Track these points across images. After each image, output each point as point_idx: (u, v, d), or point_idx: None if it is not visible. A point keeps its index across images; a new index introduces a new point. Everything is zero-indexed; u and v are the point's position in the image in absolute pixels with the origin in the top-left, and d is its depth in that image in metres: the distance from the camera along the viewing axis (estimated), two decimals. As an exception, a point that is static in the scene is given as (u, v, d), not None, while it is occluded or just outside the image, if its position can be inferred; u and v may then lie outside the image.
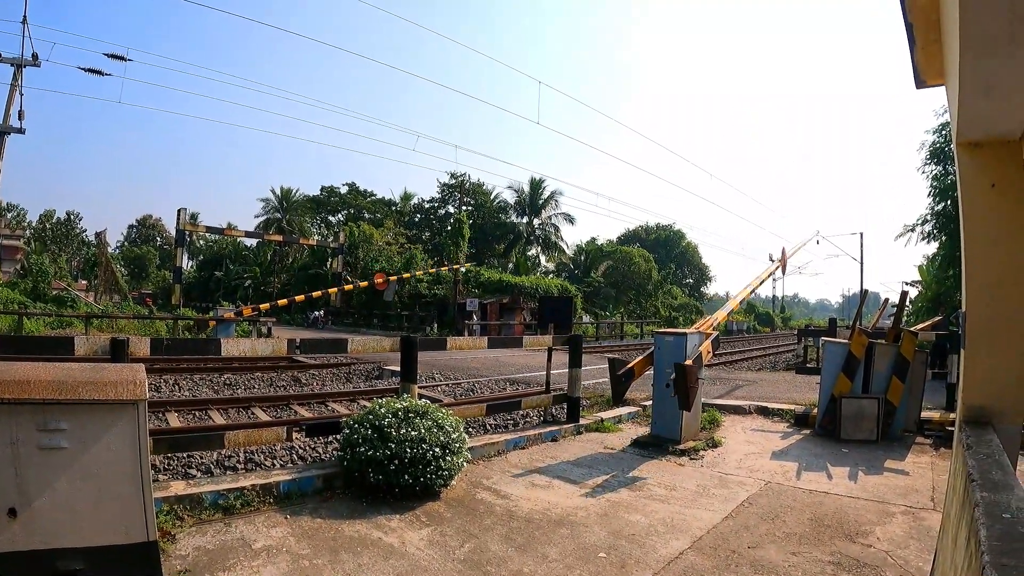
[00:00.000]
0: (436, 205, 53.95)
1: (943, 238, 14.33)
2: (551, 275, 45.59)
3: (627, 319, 38.80)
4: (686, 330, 6.55)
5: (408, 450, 4.07)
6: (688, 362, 5.68)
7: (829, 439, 6.57)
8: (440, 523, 3.82)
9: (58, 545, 2.36)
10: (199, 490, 3.82)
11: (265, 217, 53.08)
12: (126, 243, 67.93)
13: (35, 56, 20.03)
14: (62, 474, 2.38)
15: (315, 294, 31.20)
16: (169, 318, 21.65)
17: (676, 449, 5.87)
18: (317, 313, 35.65)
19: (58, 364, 2.57)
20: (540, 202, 50.04)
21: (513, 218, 51.89)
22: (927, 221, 14.89)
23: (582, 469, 5.26)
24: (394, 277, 32.86)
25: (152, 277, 56.58)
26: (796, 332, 26.00)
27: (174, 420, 7.01)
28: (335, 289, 33.51)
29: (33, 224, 60.16)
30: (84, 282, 44.03)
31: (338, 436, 4.81)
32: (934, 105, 14.41)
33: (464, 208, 43.30)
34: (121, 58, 19.85)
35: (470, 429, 6.61)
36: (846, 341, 7.05)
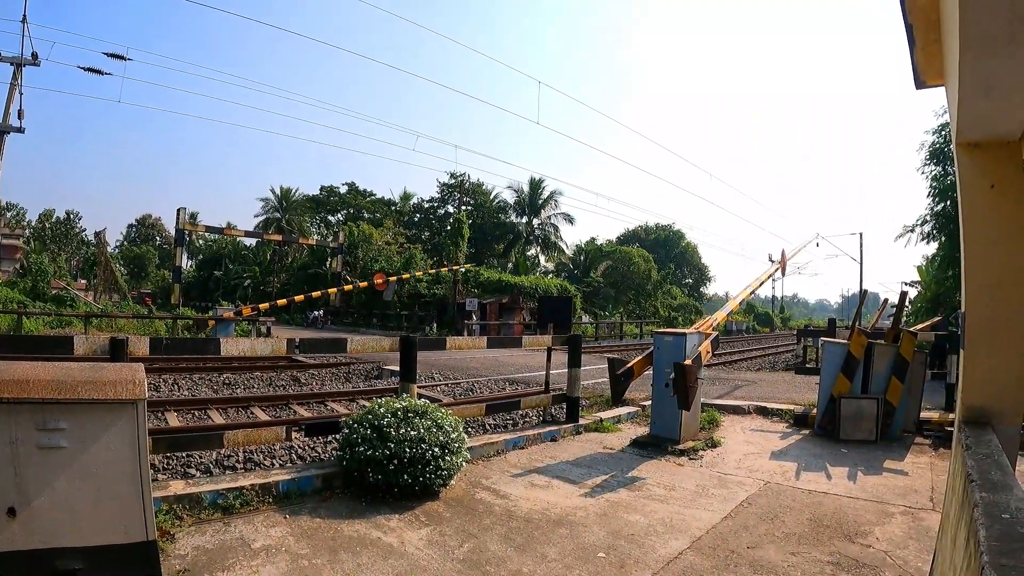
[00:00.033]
0: (436, 205, 53.96)
1: (942, 239, 14.34)
2: (550, 275, 45.60)
3: (626, 319, 38.81)
4: (685, 330, 6.54)
5: (407, 450, 4.07)
6: (687, 362, 5.68)
7: (828, 439, 6.57)
8: (439, 523, 3.82)
9: (57, 544, 2.36)
10: (198, 490, 3.82)
11: (265, 217, 53.12)
12: (125, 242, 67.91)
13: (35, 55, 20.01)
14: (61, 473, 2.38)
15: (314, 294, 31.17)
16: (168, 317, 21.63)
17: (675, 449, 5.87)
18: (316, 313, 35.64)
19: (57, 363, 2.57)
20: (540, 202, 50.06)
21: (513, 218, 51.92)
22: (927, 222, 14.91)
23: (581, 469, 5.26)
24: (394, 278, 32.85)
25: (151, 276, 56.56)
26: (795, 332, 26.03)
27: (173, 420, 7.01)
28: (334, 289, 33.47)
29: (32, 223, 60.21)
30: (83, 281, 43.99)
31: (337, 436, 4.81)
32: (934, 105, 14.44)
33: (464, 208, 43.26)
34: (121, 57, 19.84)
35: (469, 429, 6.61)
36: (845, 341, 7.05)
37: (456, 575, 3.11)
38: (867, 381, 6.82)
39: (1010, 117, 1.91)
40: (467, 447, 4.59)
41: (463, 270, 33.31)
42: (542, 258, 52.48)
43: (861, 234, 43.93)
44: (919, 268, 18.59)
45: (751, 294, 10.40)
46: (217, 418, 7.31)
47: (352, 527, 3.66)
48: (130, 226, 70.60)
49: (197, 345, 11.12)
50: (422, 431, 4.21)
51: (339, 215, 56.73)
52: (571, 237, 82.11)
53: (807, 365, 15.00)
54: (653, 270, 46.86)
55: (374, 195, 58.11)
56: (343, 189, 57.81)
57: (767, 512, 4.19)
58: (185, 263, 47.05)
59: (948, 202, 13.39)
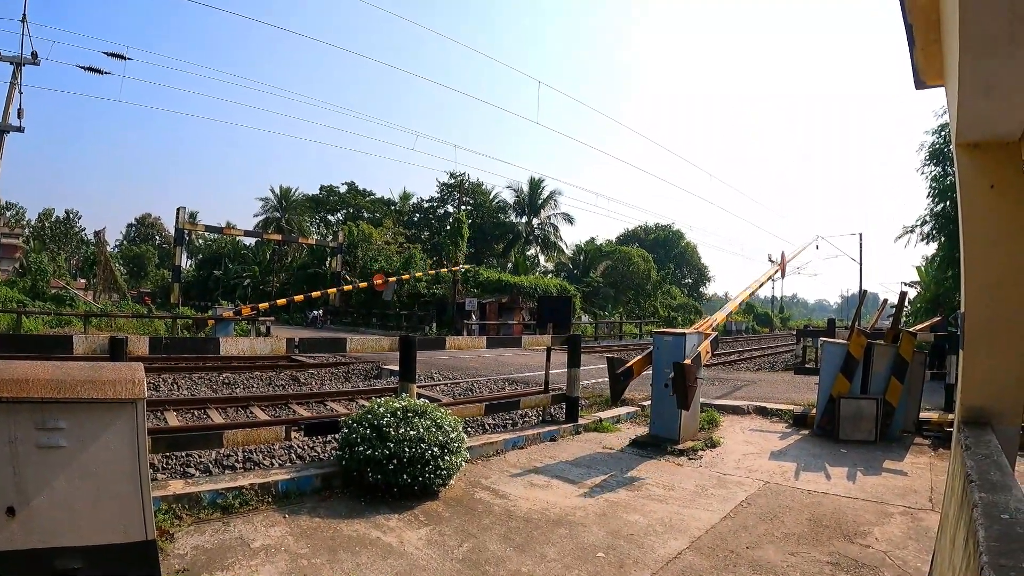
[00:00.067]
0: (435, 205, 53.97)
1: (942, 239, 14.36)
2: (550, 275, 45.61)
3: (626, 319, 38.83)
4: (685, 330, 6.55)
5: (407, 449, 4.07)
6: (687, 362, 5.68)
7: (828, 439, 6.57)
8: (439, 523, 3.82)
9: (56, 544, 2.36)
10: (197, 489, 3.81)
11: (264, 216, 53.12)
12: (125, 242, 67.92)
13: (35, 54, 19.95)
14: (60, 473, 2.37)
15: (314, 294, 31.17)
16: (168, 317, 21.64)
17: (674, 449, 5.88)
18: (316, 312, 35.62)
19: (57, 363, 2.56)
20: (539, 202, 50.07)
21: (512, 218, 51.93)
22: (926, 222, 14.94)
23: (581, 469, 5.26)
24: (393, 278, 32.85)
25: (151, 276, 56.57)
26: (795, 332, 26.06)
27: (173, 419, 7.00)
28: (334, 289, 33.50)
29: (32, 223, 60.24)
30: (83, 281, 43.99)
31: (337, 435, 4.81)
32: (934, 106, 14.46)
33: (463, 208, 43.23)
34: (121, 57, 19.79)
35: (469, 429, 6.61)
36: (845, 342, 7.06)
37: (455, 575, 3.11)
38: (866, 381, 6.83)
39: (1010, 117, 1.91)
40: (466, 447, 4.59)
41: (462, 270, 33.29)
42: (542, 258, 52.54)
43: (861, 234, 43.87)
44: (919, 268, 18.62)
45: (751, 295, 10.41)
46: (216, 417, 7.30)
47: (351, 527, 3.66)
48: (130, 225, 70.69)
49: (196, 344, 11.08)
50: (421, 431, 4.21)
51: (339, 215, 56.76)
52: (571, 237, 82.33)
53: (806, 365, 15.00)
54: (653, 270, 46.87)
55: (374, 195, 58.16)
56: (343, 189, 57.87)
57: (766, 512, 4.20)
58: (185, 262, 47.02)
59: (948, 202, 13.41)
